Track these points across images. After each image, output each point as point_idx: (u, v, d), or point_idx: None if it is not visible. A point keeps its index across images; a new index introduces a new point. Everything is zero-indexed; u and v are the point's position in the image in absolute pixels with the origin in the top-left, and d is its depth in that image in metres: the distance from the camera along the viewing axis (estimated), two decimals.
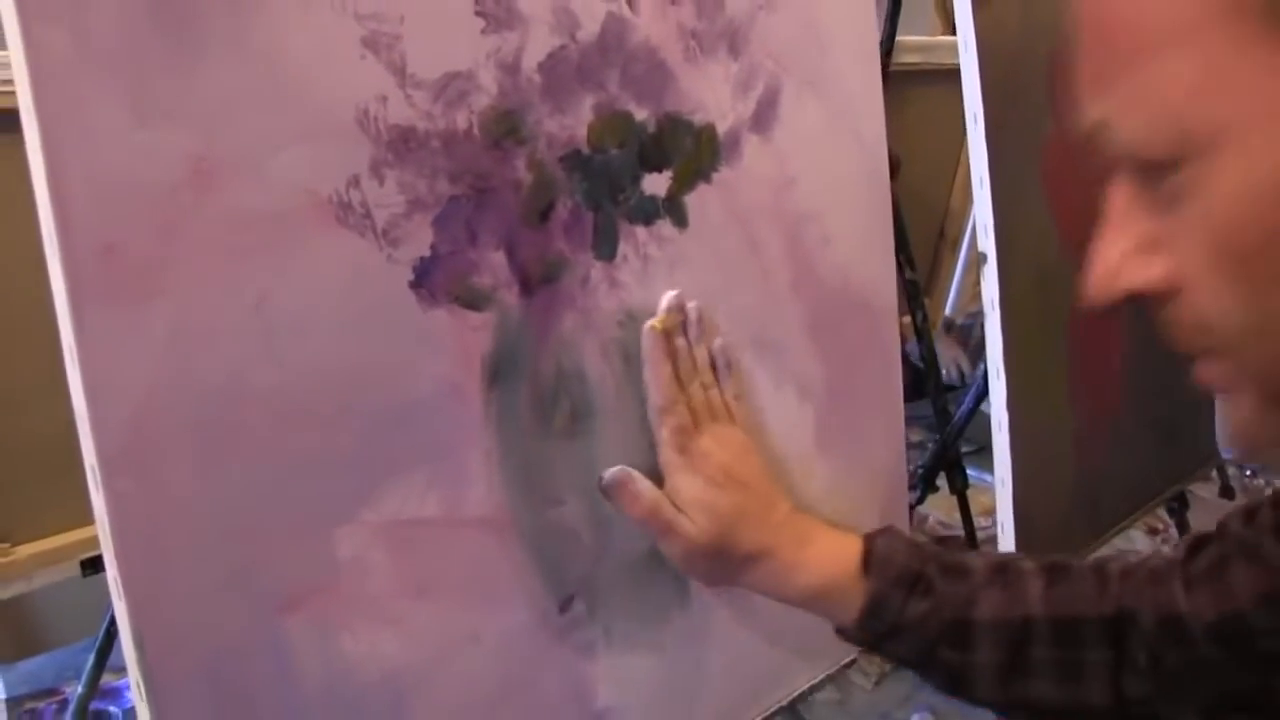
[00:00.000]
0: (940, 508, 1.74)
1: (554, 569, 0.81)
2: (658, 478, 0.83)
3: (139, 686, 0.63)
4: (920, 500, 1.57)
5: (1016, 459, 1.18)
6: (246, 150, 0.64)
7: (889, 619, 0.77)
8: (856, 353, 1.03)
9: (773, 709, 0.99)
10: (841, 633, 0.82)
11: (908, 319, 1.71)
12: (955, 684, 0.79)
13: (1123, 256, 0.49)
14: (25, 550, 1.26)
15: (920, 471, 1.56)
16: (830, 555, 0.81)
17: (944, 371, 2.25)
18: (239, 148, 0.63)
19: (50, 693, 1.56)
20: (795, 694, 1.01)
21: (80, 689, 1.25)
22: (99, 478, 0.60)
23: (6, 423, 1.11)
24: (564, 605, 0.82)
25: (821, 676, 1.04)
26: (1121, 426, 1.34)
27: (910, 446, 2.00)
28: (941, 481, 1.59)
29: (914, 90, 1.63)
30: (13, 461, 1.13)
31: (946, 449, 1.53)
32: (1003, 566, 0.80)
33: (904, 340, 1.72)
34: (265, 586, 0.67)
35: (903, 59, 1.59)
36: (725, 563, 0.82)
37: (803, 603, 0.82)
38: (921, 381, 1.63)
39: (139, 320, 0.60)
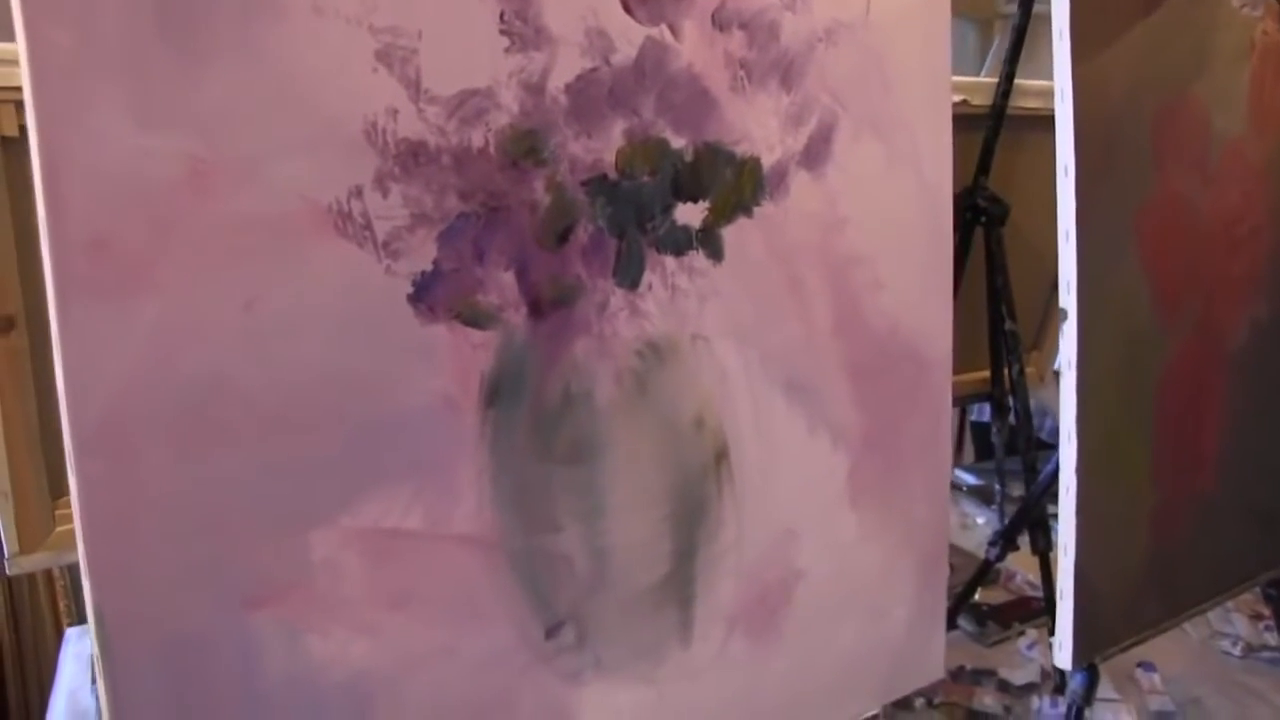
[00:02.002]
0: (1029, 567, 1.67)
1: (543, 593, 0.80)
2: (672, 504, 0.82)
3: (97, 660, 0.65)
4: (1000, 558, 1.50)
5: (1082, 527, 1.12)
6: (247, 155, 0.65)
7: None
8: (901, 402, 0.99)
9: None
10: None
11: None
12: None
13: None
14: None
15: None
16: None
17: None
18: (239, 153, 0.65)
19: None
20: None
21: None
22: (72, 459, 0.62)
23: None
24: (551, 631, 0.81)
25: None
26: (1212, 508, 1.26)
27: (1009, 500, 1.93)
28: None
29: (1032, 135, 1.57)
30: None
31: (1030, 508, 1.47)
32: None
33: (1005, 394, 1.66)
34: (233, 580, 0.68)
35: (1021, 103, 1.53)
36: None
37: None
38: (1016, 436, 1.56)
39: (124, 313, 0.62)
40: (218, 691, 0.69)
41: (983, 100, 1.53)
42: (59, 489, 1.22)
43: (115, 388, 0.63)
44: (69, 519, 1.24)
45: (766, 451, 0.90)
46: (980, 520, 2.02)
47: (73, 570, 1.96)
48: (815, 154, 0.90)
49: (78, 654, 1.65)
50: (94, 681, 1.56)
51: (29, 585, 2.07)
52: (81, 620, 1.92)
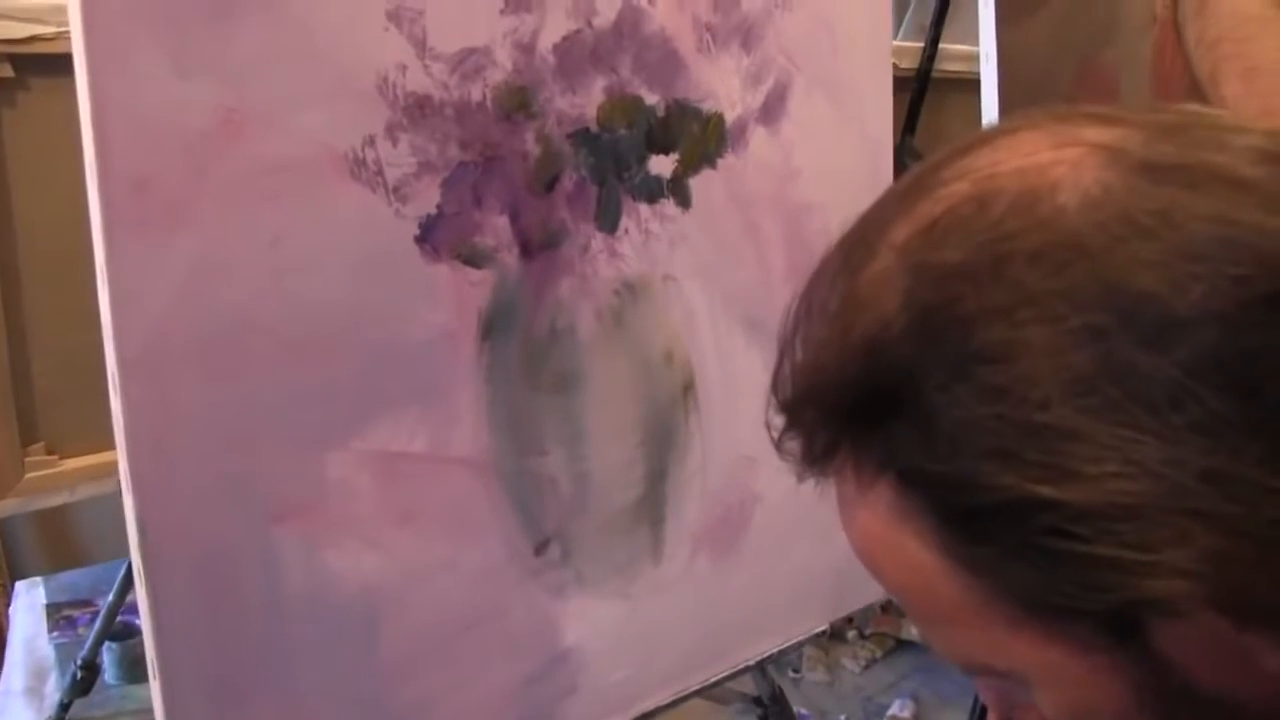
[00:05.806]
0: None
1: (532, 512, 0.88)
2: (645, 431, 0.89)
3: (139, 571, 0.70)
4: None
5: None
6: (274, 105, 0.71)
7: None
8: None
9: (739, 667, 1.05)
10: None
11: None
12: None
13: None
14: (72, 464, 1.34)
15: None
16: None
17: None
18: (267, 102, 0.70)
19: (85, 604, 1.66)
20: (762, 656, 1.07)
21: (110, 598, 1.34)
22: (117, 382, 0.68)
23: (60, 339, 1.19)
24: (540, 548, 0.89)
25: (791, 642, 1.10)
26: None
27: None
28: None
29: (956, 97, 1.67)
30: (65, 376, 1.21)
31: None
32: None
33: None
34: (259, 496, 0.74)
35: (945, 66, 1.63)
36: None
37: None
38: None
39: (164, 248, 0.68)
40: (245, 600, 0.75)
41: (909, 64, 1.63)
42: (29, 436, 1.25)
43: (155, 317, 0.68)
44: (38, 466, 1.28)
45: (728, 384, 0.98)
46: None
47: (5, 528, 1.97)
48: (772, 110, 0.98)
49: (29, 605, 1.68)
50: (50, 630, 1.60)
51: None
52: (20, 576, 1.92)
